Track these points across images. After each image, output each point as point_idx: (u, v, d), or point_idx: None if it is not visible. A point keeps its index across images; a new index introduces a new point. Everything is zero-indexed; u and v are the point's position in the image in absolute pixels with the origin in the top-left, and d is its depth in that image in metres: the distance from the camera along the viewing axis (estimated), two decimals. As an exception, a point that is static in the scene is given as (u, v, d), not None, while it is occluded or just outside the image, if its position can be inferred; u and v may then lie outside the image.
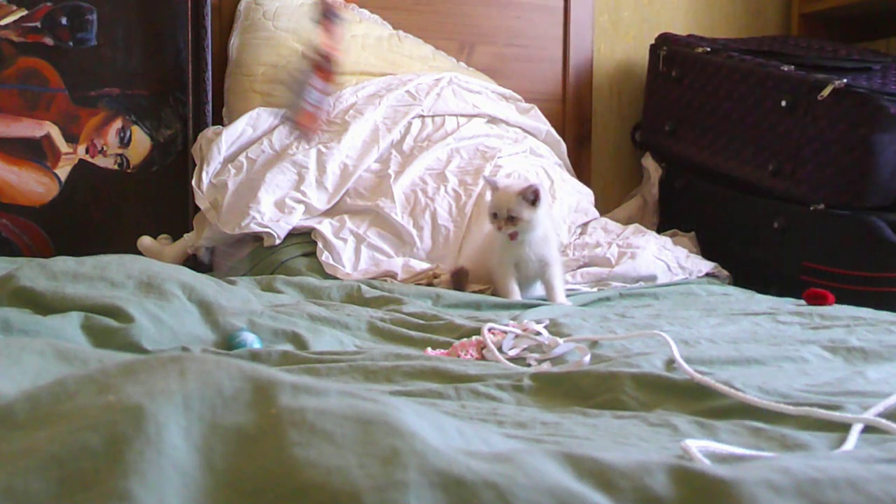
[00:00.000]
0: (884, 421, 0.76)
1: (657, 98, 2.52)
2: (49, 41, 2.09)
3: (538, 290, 1.72)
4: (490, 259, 1.72)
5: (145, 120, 2.18)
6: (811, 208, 2.04)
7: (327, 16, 1.23)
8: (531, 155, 2.24)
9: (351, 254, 1.88)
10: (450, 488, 0.41)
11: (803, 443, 0.74)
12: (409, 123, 2.15)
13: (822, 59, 2.29)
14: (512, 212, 1.61)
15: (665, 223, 2.48)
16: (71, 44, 2.10)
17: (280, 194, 1.94)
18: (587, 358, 1.10)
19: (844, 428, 0.76)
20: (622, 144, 2.73)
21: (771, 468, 0.46)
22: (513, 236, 1.64)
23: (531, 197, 1.62)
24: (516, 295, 1.66)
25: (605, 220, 2.25)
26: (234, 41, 2.20)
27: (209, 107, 2.17)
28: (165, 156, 2.20)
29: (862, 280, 1.94)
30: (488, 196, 1.73)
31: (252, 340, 1.11)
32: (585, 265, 1.96)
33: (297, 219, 1.92)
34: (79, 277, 1.18)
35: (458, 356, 1.14)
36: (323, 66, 1.30)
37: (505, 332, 1.23)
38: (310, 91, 1.21)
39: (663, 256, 2.00)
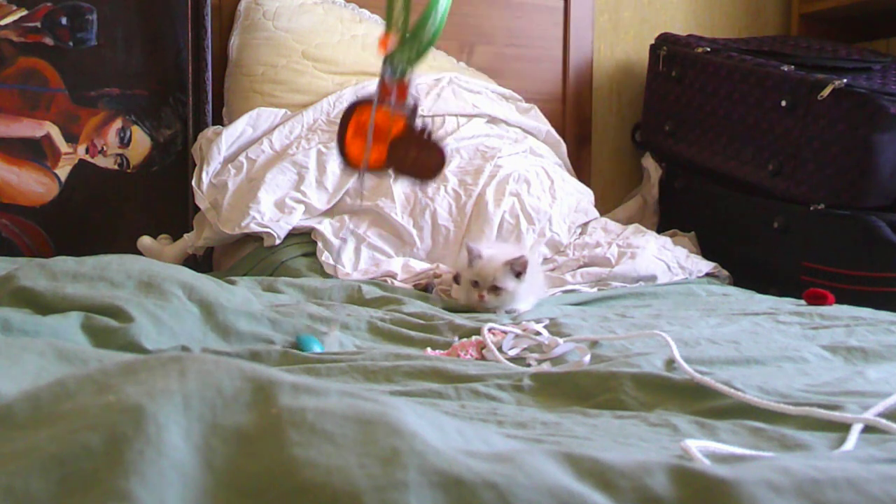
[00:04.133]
0: (884, 421, 0.76)
1: (657, 98, 2.52)
2: (49, 41, 2.09)
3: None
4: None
5: (145, 120, 2.18)
6: (811, 208, 2.04)
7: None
8: (531, 155, 2.24)
9: (351, 254, 1.88)
10: (450, 488, 0.41)
11: (803, 443, 0.74)
12: (409, 123, 2.14)
13: (822, 59, 2.30)
14: (497, 282, 1.53)
15: (665, 223, 2.48)
16: (71, 44, 2.10)
17: (280, 194, 1.94)
18: (587, 358, 1.10)
19: (844, 428, 0.76)
20: (622, 144, 2.73)
21: (771, 468, 0.46)
22: (482, 299, 1.55)
23: (518, 269, 1.54)
24: None
25: (605, 220, 2.25)
26: (234, 41, 2.20)
27: (209, 107, 2.17)
28: (165, 156, 2.20)
29: (862, 280, 1.94)
30: (463, 256, 1.66)
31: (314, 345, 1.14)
32: (585, 265, 1.96)
33: (297, 219, 1.92)
34: (79, 277, 1.18)
35: (458, 356, 1.14)
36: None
37: (505, 332, 1.23)
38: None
39: (663, 256, 2.00)
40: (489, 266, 1.55)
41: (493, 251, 1.62)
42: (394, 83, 1.07)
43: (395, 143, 1.09)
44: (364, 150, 1.11)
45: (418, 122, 1.10)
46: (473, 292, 1.56)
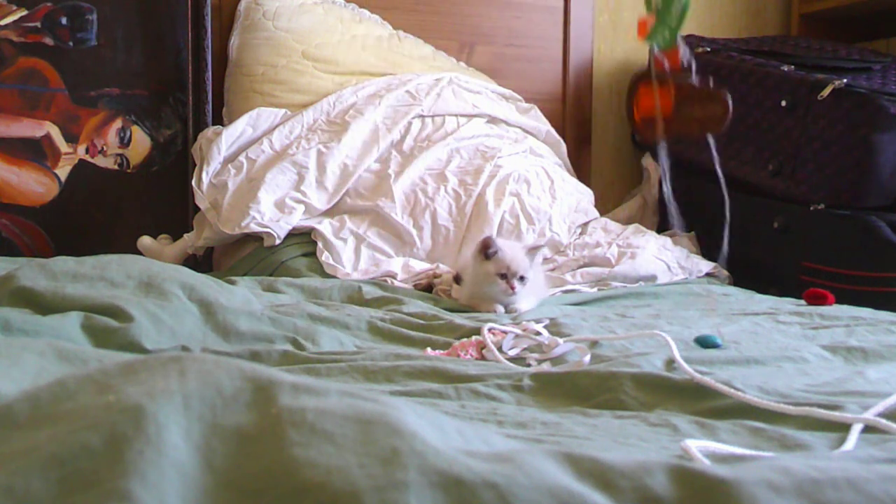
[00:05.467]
0: (884, 421, 0.76)
1: (657, 98, 2.52)
2: (49, 41, 2.09)
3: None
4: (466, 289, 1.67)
5: (145, 120, 2.18)
6: (811, 208, 2.04)
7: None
8: (531, 155, 2.24)
9: (351, 254, 1.88)
10: (450, 488, 0.41)
11: (803, 443, 0.74)
12: (409, 123, 2.15)
13: (822, 59, 2.29)
14: (525, 272, 1.54)
15: (665, 223, 2.47)
16: (71, 44, 2.10)
17: (280, 194, 1.94)
18: (587, 358, 1.10)
19: (844, 428, 0.76)
20: (622, 144, 2.73)
21: (771, 468, 0.46)
22: (513, 289, 1.55)
23: (534, 255, 1.56)
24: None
25: (605, 220, 2.25)
26: (234, 41, 2.20)
27: (209, 107, 2.17)
28: (165, 156, 2.20)
29: (862, 280, 1.94)
30: (466, 253, 1.64)
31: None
32: (585, 265, 1.96)
33: (297, 219, 1.92)
34: (79, 277, 1.18)
35: (458, 356, 1.14)
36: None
37: (505, 332, 1.23)
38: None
39: (663, 256, 2.00)
40: (519, 255, 1.55)
41: (505, 241, 1.62)
42: (663, 55, 1.12)
43: (678, 106, 1.14)
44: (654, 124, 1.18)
45: (694, 80, 1.15)
46: (500, 284, 1.54)
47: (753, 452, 0.67)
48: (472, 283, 1.62)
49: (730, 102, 1.16)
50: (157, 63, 2.18)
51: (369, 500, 0.39)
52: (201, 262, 2.09)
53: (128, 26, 2.15)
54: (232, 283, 1.49)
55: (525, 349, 1.18)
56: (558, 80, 2.61)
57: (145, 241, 2.03)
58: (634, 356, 1.07)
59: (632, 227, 2.18)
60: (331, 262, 1.84)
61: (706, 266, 2.05)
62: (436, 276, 1.81)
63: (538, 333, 1.24)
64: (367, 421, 0.45)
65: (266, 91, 2.15)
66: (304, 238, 1.93)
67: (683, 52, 1.12)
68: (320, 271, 1.82)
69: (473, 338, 1.21)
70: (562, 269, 1.94)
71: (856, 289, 1.89)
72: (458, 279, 1.73)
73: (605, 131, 2.71)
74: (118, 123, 2.15)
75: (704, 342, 1.15)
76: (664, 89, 1.13)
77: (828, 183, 2.03)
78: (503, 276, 1.54)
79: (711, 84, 1.16)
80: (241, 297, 1.27)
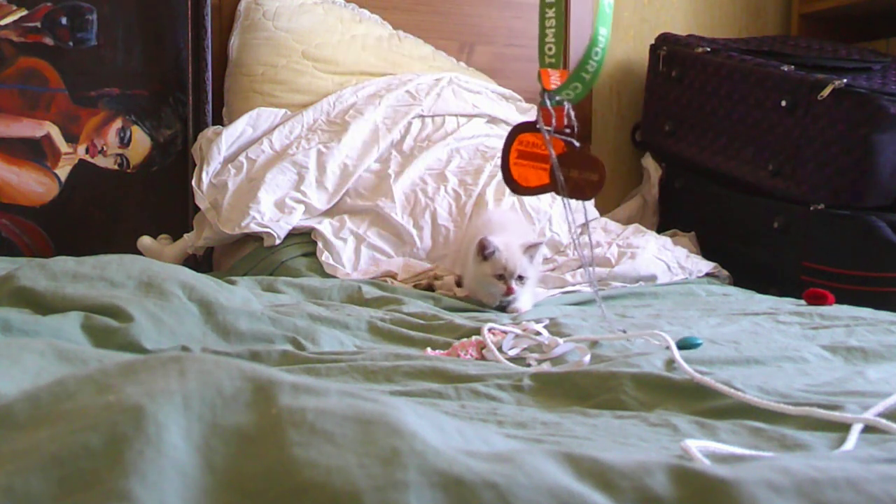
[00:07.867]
0: (884, 421, 0.76)
1: (657, 98, 2.52)
2: (49, 41, 2.09)
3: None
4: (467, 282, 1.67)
5: (145, 120, 2.18)
6: (811, 208, 2.04)
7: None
8: (531, 155, 2.24)
9: (351, 254, 1.88)
10: (450, 488, 0.41)
11: (803, 443, 0.74)
12: (409, 123, 2.15)
13: (822, 59, 2.29)
14: (524, 272, 1.52)
15: (665, 223, 2.47)
16: (71, 44, 2.10)
17: (280, 194, 1.94)
18: (587, 358, 1.10)
19: (844, 428, 0.76)
20: (622, 144, 2.73)
21: (771, 468, 0.46)
22: (511, 292, 1.53)
23: (534, 253, 1.55)
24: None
25: (605, 219, 2.25)
26: (234, 41, 2.20)
27: (209, 107, 2.17)
28: (165, 156, 2.20)
29: (862, 280, 1.94)
30: (475, 250, 1.64)
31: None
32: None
33: (297, 219, 1.92)
34: (79, 277, 1.18)
35: (458, 356, 1.14)
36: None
37: (505, 332, 1.23)
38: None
39: (663, 256, 2.00)
40: (516, 255, 1.54)
41: (503, 239, 1.61)
42: (553, 111, 1.13)
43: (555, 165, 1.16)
44: (527, 174, 1.18)
45: (575, 144, 1.16)
46: (498, 286, 1.54)
47: (753, 452, 0.67)
48: (471, 283, 1.62)
49: (605, 175, 1.18)
50: (157, 63, 2.18)
51: (369, 500, 0.39)
52: (201, 262, 2.09)
53: (128, 26, 2.15)
54: (232, 283, 1.49)
55: (525, 349, 1.18)
56: (558, 80, 2.61)
57: (145, 241, 2.03)
58: (634, 356, 1.07)
59: (632, 227, 2.18)
60: (331, 262, 1.84)
61: (706, 266, 2.05)
62: (436, 276, 1.81)
63: (538, 333, 1.24)
64: (367, 421, 0.45)
65: (266, 91, 2.15)
66: (304, 238, 1.93)
67: (571, 115, 1.13)
68: (320, 271, 1.82)
69: (473, 338, 1.21)
70: (562, 269, 1.94)
71: (856, 289, 1.89)
72: (458, 283, 1.74)
73: (605, 131, 2.71)
74: (118, 123, 2.15)
75: (685, 343, 1.15)
76: (544, 143, 1.15)
77: (828, 183, 2.03)
78: (500, 277, 1.54)
79: (589, 152, 1.18)
80: (241, 297, 1.27)
